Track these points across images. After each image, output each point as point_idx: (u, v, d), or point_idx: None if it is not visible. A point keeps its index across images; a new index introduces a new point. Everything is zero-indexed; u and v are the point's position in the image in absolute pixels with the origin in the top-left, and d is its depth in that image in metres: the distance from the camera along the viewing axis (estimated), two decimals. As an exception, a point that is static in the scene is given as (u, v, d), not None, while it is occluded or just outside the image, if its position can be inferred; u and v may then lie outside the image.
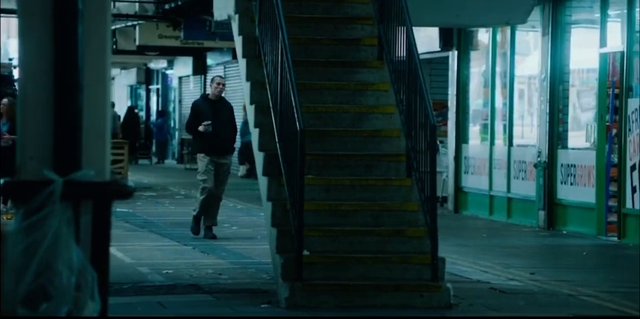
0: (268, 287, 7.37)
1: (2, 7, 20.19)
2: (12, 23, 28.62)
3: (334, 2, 8.21)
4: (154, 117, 30.68)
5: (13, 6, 18.88)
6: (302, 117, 6.99)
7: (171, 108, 29.96)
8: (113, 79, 34.60)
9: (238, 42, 8.18)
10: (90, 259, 3.26)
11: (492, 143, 13.60)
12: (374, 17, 8.10)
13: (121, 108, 32.39)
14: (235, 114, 11.31)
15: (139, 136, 27.00)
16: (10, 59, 21.46)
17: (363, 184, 7.44)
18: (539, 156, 12.28)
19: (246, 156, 20.01)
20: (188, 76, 27.51)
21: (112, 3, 23.05)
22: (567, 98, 12.21)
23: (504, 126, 13.44)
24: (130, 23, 22.58)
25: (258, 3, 7.84)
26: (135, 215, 13.13)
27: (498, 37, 13.55)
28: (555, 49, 12.19)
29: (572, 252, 10.17)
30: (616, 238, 10.98)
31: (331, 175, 7.48)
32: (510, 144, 13.23)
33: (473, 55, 14.25)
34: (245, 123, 17.94)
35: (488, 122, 13.77)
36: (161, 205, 14.81)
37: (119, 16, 22.27)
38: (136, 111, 31.53)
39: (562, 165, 12.04)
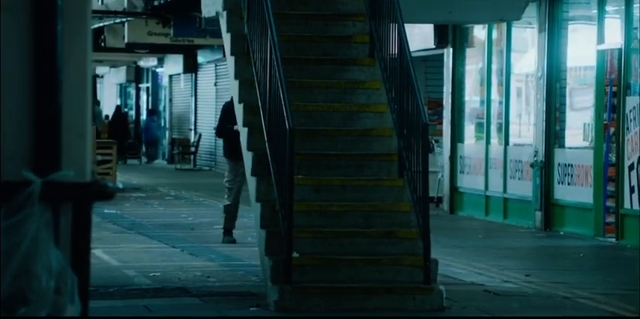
0: (257, 290, 7.37)
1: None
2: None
3: (325, -2, 8.22)
4: (144, 116, 30.69)
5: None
6: (291, 116, 6.99)
7: (161, 107, 29.96)
8: (102, 77, 34.59)
9: (226, 39, 8.18)
10: (70, 262, 3.26)
11: (488, 142, 13.62)
12: (365, 14, 8.11)
13: (111, 107, 32.38)
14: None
15: (128, 136, 27.01)
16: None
17: (354, 184, 7.45)
18: (535, 156, 12.30)
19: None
20: (179, 74, 27.50)
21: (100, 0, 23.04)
22: (564, 96, 12.22)
23: (500, 124, 13.46)
24: (118, 20, 22.56)
25: (247, -1, 7.85)
26: (122, 216, 13.13)
27: (494, 34, 13.57)
28: (552, 46, 12.21)
29: (569, 254, 10.19)
30: (614, 239, 11.00)
31: (321, 175, 7.49)
32: (506, 143, 13.25)
33: (468, 52, 14.27)
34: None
35: (484, 121, 13.78)
36: (150, 206, 14.81)
37: (107, 13, 22.26)
38: (125, 110, 31.56)
39: (559, 164, 12.06)
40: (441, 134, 14.66)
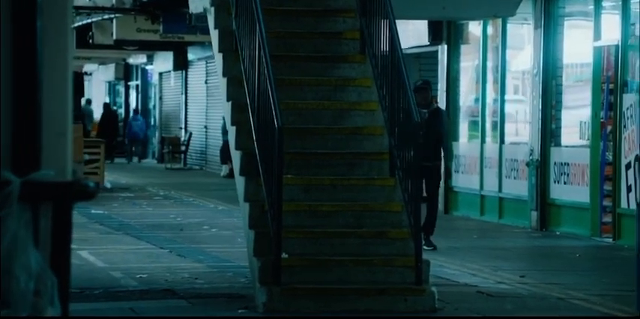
0: (246, 292, 7.38)
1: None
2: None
3: (315, -6, 8.23)
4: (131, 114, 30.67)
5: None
6: (281, 114, 7.00)
7: (151, 106, 29.94)
8: (90, 74, 34.54)
9: (214, 36, 8.19)
10: (50, 263, 3.26)
11: (483, 140, 13.64)
12: (356, 10, 8.13)
13: (100, 106, 32.30)
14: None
15: (117, 134, 27.00)
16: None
17: (345, 184, 7.46)
18: (531, 154, 12.32)
19: (229, 155, 20.01)
20: (169, 71, 27.49)
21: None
22: (561, 94, 12.25)
23: (495, 123, 13.48)
24: (106, 16, 22.54)
25: (235, -5, 7.86)
26: (110, 217, 13.13)
27: (489, 30, 13.58)
28: (548, 43, 12.24)
29: (565, 254, 10.21)
30: (611, 239, 11.03)
31: (311, 174, 7.50)
32: (502, 141, 13.27)
33: (463, 48, 14.29)
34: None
35: (479, 119, 13.80)
36: (138, 206, 14.81)
37: (95, 9, 22.24)
38: (114, 108, 31.51)
39: (555, 163, 12.08)
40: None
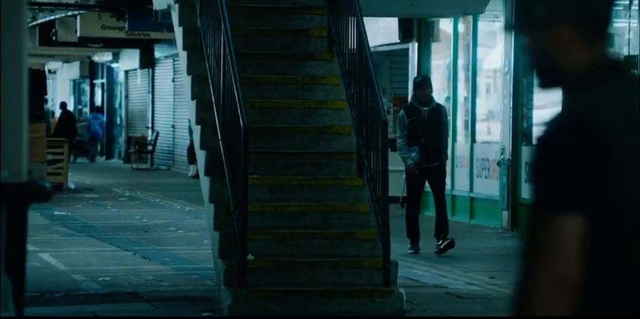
0: (211, 295, 7.37)
1: None
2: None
3: (281, -9, 8.23)
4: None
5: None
6: (246, 113, 6.99)
7: (117, 104, 29.80)
8: (54, 72, 34.31)
9: (178, 33, 8.16)
10: (4, 266, 3.24)
11: (454, 139, 13.69)
12: (323, 7, 8.13)
13: (68, 105, 32.03)
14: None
15: (76, 134, 26.81)
16: None
17: (312, 184, 7.47)
18: (502, 154, 12.38)
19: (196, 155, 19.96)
20: (135, 69, 27.37)
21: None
22: (532, 92, 12.32)
23: (467, 122, 13.53)
24: (70, 13, 22.41)
25: (200, -8, 7.84)
26: (73, 218, 13.05)
27: (460, 28, 13.64)
28: (519, 41, 12.26)
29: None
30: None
31: (278, 175, 7.50)
32: (473, 140, 13.33)
33: (434, 46, 14.33)
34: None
35: (450, 118, 13.85)
36: (103, 208, 14.73)
37: (58, 6, 22.09)
38: (80, 107, 31.28)
39: (526, 162, 12.15)
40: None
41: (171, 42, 24.13)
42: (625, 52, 10.56)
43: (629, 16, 10.55)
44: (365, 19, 16.32)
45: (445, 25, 13.95)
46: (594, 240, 1.88)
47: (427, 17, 13.80)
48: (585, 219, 1.87)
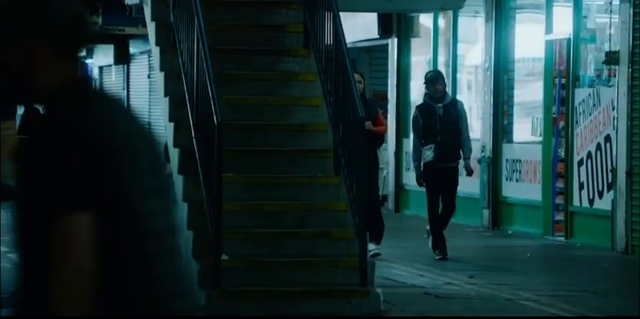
0: (185, 296, 7.33)
1: None
2: None
3: (256, -15, 8.22)
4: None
5: None
6: (220, 110, 6.98)
7: (91, 101, 29.63)
8: (27, 68, 34.03)
9: (151, 28, 8.14)
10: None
11: (434, 137, 13.71)
12: (299, 2, 8.12)
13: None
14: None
15: None
16: None
17: (288, 182, 7.46)
18: (482, 151, 12.42)
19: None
20: (109, 65, 27.26)
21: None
22: (512, 89, 12.36)
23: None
24: (42, 7, 22.26)
25: (173, -14, 7.81)
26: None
27: (440, 24, 13.66)
28: (499, 37, 12.34)
29: (516, 254, 10.30)
30: (563, 238, 11.16)
31: (253, 173, 7.49)
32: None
33: (414, 42, 14.35)
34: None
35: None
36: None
37: (30, 0, 21.94)
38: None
39: (507, 160, 12.19)
40: (386, 129, 14.71)
41: (146, 37, 23.95)
42: (606, 47, 10.62)
43: (610, 11, 10.61)
44: (344, 14, 16.27)
45: (425, 20, 13.97)
46: (105, 234, 2.10)
47: (405, 12, 13.82)
48: (94, 216, 2.09)
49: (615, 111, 10.48)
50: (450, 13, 13.20)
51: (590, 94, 10.88)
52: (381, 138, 9.67)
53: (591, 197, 10.80)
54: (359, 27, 14.73)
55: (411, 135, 10.22)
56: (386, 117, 15.14)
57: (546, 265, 9.61)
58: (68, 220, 2.08)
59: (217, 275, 6.82)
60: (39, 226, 2.09)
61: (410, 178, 14.43)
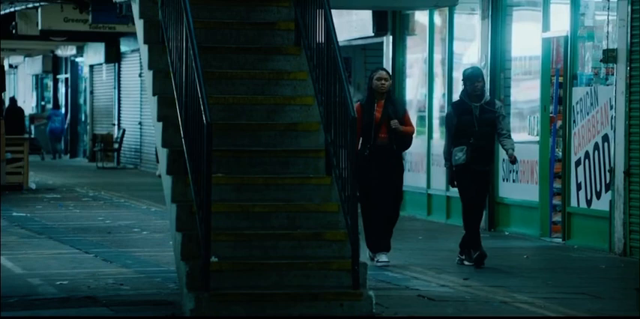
0: (174, 298, 7.36)
1: None
2: None
3: (247, -18, 8.21)
4: (62, 109, 30.37)
5: None
6: (209, 109, 6.98)
7: (81, 101, 29.66)
8: (16, 67, 34.09)
9: (139, 26, 8.13)
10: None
11: (430, 137, 13.72)
12: (290, -1, 8.12)
13: (27, 101, 31.85)
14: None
15: (23, 131, 26.62)
16: None
17: (279, 183, 7.46)
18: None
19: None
20: (100, 64, 27.24)
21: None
22: (509, 87, 12.36)
23: (443, 118, 13.56)
24: (31, 5, 22.27)
25: (161, -17, 7.81)
26: (33, 220, 12.99)
27: (436, 21, 13.66)
28: (496, 34, 12.35)
29: (512, 255, 10.31)
30: (560, 239, 11.17)
31: (243, 173, 7.48)
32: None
33: (409, 40, 14.35)
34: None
35: (426, 114, 13.88)
36: (64, 208, 14.67)
37: (19, -3, 21.95)
38: (43, 103, 31.09)
39: (504, 160, 12.20)
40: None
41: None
42: (604, 45, 10.63)
43: (608, 8, 10.62)
44: (338, 11, 16.32)
45: (421, 18, 13.97)
46: None
47: (398, 10, 13.83)
48: None
49: (613, 110, 10.49)
50: (446, 10, 13.20)
51: (587, 93, 10.89)
52: (409, 138, 9.38)
53: (589, 197, 10.81)
54: (354, 25, 14.73)
55: (445, 133, 9.59)
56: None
57: (543, 267, 9.62)
58: None
59: (206, 277, 6.82)
60: None
61: (406, 179, 14.41)
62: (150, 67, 7.95)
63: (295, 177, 7.50)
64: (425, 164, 13.74)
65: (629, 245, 10.25)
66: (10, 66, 32.45)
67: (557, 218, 11.36)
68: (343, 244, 7.15)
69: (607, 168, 10.50)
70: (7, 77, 28.57)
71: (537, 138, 11.66)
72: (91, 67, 28.28)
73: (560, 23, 11.36)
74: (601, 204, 10.59)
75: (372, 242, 9.33)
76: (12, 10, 22.64)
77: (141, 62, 24.72)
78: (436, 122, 13.74)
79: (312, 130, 7.71)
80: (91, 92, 28.50)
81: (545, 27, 11.56)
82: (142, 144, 24.62)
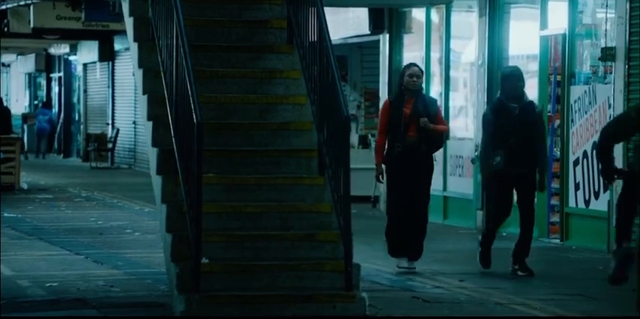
0: (165, 300, 7.36)
1: None
2: None
3: (239, -21, 8.22)
4: (55, 109, 30.36)
5: None
6: (200, 108, 6.98)
7: (75, 99, 29.65)
8: (8, 66, 34.08)
9: (129, 24, 8.13)
10: None
11: (427, 136, 13.69)
12: (283, -4, 8.13)
13: (19, 100, 31.82)
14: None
15: (10, 130, 26.56)
16: None
17: (271, 183, 7.46)
18: (476, 150, 12.43)
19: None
20: (94, 62, 27.24)
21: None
22: (507, 86, 12.34)
23: (440, 117, 13.53)
24: (22, 2, 22.27)
25: (152, -20, 7.81)
26: (24, 220, 12.99)
27: (433, 19, 13.67)
28: (493, 32, 12.35)
29: (509, 257, 10.33)
30: (559, 240, 11.17)
31: (235, 173, 7.49)
32: (446, 137, 13.37)
33: (406, 38, 14.35)
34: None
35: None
36: (56, 209, 14.67)
37: (10, -5, 21.96)
38: (36, 102, 31.04)
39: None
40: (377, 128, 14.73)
41: (131, 33, 23.99)
42: (602, 43, 10.63)
43: (607, 6, 10.63)
44: (334, 9, 16.24)
45: (418, 15, 13.97)
46: None
47: (394, 7, 13.84)
48: None
49: (612, 109, 10.49)
50: (443, 8, 13.21)
51: (585, 92, 10.89)
52: (440, 137, 9.06)
53: (587, 198, 10.81)
54: (350, 22, 14.74)
55: (482, 136, 9.20)
56: (378, 116, 15.16)
57: (540, 268, 9.61)
58: None
59: (197, 279, 6.82)
60: None
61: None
62: (140, 66, 7.95)
63: (287, 177, 7.50)
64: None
65: (627, 246, 10.24)
66: (3, 64, 32.46)
67: (555, 218, 11.36)
68: (336, 245, 7.15)
69: (605, 167, 10.48)
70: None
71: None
72: (85, 65, 28.27)
73: (558, 21, 11.36)
74: (600, 205, 10.59)
75: (397, 247, 8.97)
76: (4, 7, 22.64)
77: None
78: (433, 121, 13.72)
79: (304, 130, 7.71)
80: (85, 91, 28.49)
81: (543, 25, 11.57)
82: (136, 143, 24.62)
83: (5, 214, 13.39)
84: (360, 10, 14.42)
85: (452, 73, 13.42)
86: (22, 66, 32.90)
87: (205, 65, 7.83)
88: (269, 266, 7.05)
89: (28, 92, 33.11)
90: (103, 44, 25.90)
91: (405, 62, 14.42)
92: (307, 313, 6.86)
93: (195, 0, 8.04)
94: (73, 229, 12.13)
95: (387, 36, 14.41)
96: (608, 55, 10.45)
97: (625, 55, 10.34)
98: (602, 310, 7.38)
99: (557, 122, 11.42)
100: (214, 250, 7.07)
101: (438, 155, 13.38)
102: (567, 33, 11.14)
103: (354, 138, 15.93)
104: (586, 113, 10.86)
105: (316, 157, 7.55)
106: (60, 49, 29.22)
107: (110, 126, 26.25)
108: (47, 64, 31.20)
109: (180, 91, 7.28)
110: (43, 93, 32.13)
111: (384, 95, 14.68)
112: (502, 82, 9.18)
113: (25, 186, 17.63)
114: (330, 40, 7.41)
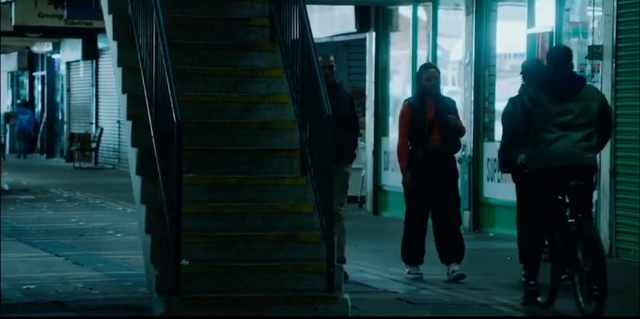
0: (144, 303, 7.35)
1: None
2: None
3: (220, -24, 8.22)
4: (38, 108, 30.28)
5: None
6: (181, 107, 6.97)
7: (58, 99, 29.58)
8: (-10, 64, 33.97)
9: (108, 22, 8.12)
10: None
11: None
12: (264, -6, 8.13)
13: (2, 99, 31.68)
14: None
15: None
16: None
17: (252, 183, 7.46)
18: (463, 150, 12.45)
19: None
20: (77, 61, 27.18)
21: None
22: (494, 85, 12.39)
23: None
24: (4, 0, 22.21)
25: (131, -23, 7.81)
26: (3, 221, 12.95)
27: (420, 17, 13.68)
28: (480, 30, 12.37)
29: (496, 257, 10.33)
30: (546, 241, 11.17)
31: (215, 173, 7.48)
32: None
33: (393, 36, 14.36)
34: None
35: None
36: (37, 210, 14.64)
37: (-9, -8, 21.89)
38: (17, 102, 30.95)
39: (489, 159, 12.22)
40: (364, 127, 14.74)
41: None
42: (590, 41, 10.66)
43: (594, 4, 10.65)
44: (320, 7, 16.20)
45: (404, 13, 13.98)
46: None
47: (381, 4, 13.84)
48: None
49: (599, 108, 10.50)
50: (430, 6, 13.22)
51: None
52: (459, 138, 8.98)
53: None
54: (335, 20, 14.75)
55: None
56: (364, 115, 15.19)
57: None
58: None
59: (177, 281, 6.82)
60: None
61: (389, 179, 14.44)
62: (119, 64, 7.94)
63: (269, 177, 7.50)
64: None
65: (615, 247, 10.27)
66: (-15, 63, 32.33)
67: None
68: (318, 246, 7.16)
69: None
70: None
71: (522, 137, 11.65)
72: (68, 64, 28.21)
73: (546, 19, 11.38)
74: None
75: (411, 254, 8.83)
76: (-15, 5, 22.58)
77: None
78: (420, 120, 13.72)
79: (286, 129, 7.71)
80: (68, 90, 28.43)
81: (530, 23, 11.59)
82: (120, 143, 24.58)
83: (-15, 216, 13.37)
84: (346, 8, 14.42)
85: (440, 71, 13.41)
86: (4, 64, 32.80)
87: (186, 63, 7.82)
88: (250, 268, 7.05)
89: (10, 91, 33.02)
90: (86, 42, 25.86)
91: (392, 60, 14.46)
92: (288, 314, 6.86)
93: (175, -3, 8.03)
94: (53, 230, 12.11)
95: (374, 34, 14.42)
96: (595, 53, 10.47)
97: (612, 54, 10.37)
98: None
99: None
100: (194, 251, 7.06)
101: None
102: (554, 31, 11.16)
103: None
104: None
105: (298, 157, 7.55)
106: (43, 48, 29.15)
107: (94, 126, 26.20)
108: (30, 62, 31.13)
109: (160, 90, 7.28)
110: (26, 92, 32.05)
111: (371, 94, 14.68)
112: (523, 77, 8.74)
113: (6, 187, 17.59)
114: (312, 38, 7.41)
